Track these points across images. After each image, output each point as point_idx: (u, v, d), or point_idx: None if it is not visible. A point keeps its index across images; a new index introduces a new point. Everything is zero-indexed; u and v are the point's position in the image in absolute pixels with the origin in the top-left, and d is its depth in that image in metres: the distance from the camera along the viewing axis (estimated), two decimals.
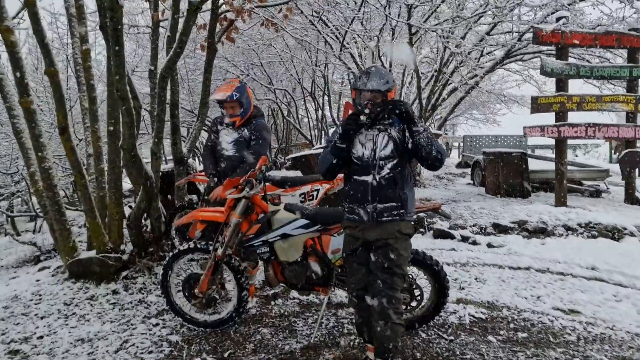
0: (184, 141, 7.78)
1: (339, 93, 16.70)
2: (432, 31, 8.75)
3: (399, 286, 3.09)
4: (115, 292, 4.95)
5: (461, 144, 21.57)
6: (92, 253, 5.51)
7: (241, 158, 4.63)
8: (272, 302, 4.57)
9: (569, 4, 8.28)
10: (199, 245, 4.05)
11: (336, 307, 4.42)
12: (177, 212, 5.79)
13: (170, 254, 4.15)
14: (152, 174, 5.12)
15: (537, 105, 8.29)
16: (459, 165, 17.60)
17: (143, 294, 4.90)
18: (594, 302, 4.48)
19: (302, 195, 5.46)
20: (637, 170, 9.43)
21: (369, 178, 3.08)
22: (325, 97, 14.29)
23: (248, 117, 4.66)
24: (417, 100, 10.64)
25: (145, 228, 5.68)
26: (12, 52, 4.99)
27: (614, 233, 6.80)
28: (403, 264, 3.10)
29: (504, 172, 9.98)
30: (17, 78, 4.94)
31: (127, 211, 5.82)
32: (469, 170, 14.09)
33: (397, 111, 2.98)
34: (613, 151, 21.63)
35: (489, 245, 6.50)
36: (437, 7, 8.56)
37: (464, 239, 6.80)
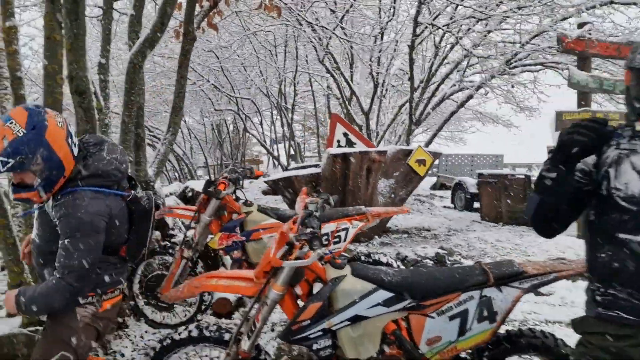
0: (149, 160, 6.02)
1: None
2: (447, 31, 7.58)
3: None
4: None
5: (435, 163, 20.29)
6: (17, 323, 3.74)
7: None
8: None
9: (587, 9, 7.37)
10: (206, 333, 2.47)
11: None
12: (139, 263, 4.10)
13: (156, 346, 2.52)
14: None
15: (562, 120, 7.28)
16: (433, 187, 16.34)
17: None
18: None
19: (326, 237, 4.00)
20: None
21: None
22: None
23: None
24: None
25: None
26: None
27: None
28: None
29: (505, 197, 8.92)
30: None
31: None
32: (444, 193, 13.10)
33: None
34: None
35: (538, 294, 5.25)
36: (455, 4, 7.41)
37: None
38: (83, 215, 2.06)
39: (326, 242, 3.95)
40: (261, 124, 13.65)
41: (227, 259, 5.10)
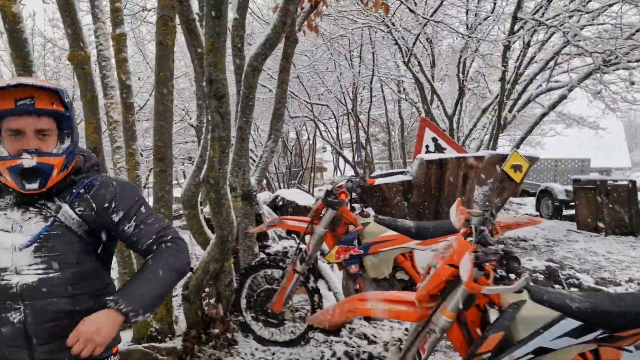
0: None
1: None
2: (549, 26, 7.07)
3: None
4: None
5: None
6: (129, 338, 3.64)
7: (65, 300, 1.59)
8: None
9: None
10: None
11: None
12: (247, 276, 3.90)
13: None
14: (234, 219, 3.26)
15: None
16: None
17: None
18: None
19: None
20: None
21: None
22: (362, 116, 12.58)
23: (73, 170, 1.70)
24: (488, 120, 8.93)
25: (207, 300, 3.80)
26: (13, 31, 3.20)
27: None
28: None
29: (606, 204, 8.23)
30: (22, 72, 3.17)
31: None
32: (521, 200, 12.36)
33: None
34: None
35: None
36: None
37: None
38: (130, 185, 1.78)
39: None
40: (337, 129, 13.39)
41: (326, 270, 4.85)
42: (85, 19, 7.22)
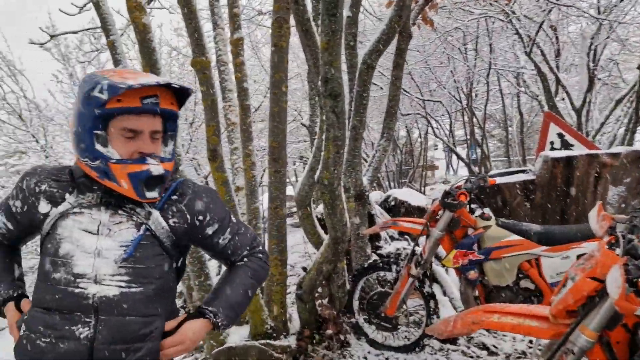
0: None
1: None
2: None
3: None
4: None
5: None
6: (245, 333, 3.74)
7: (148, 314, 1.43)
8: None
9: None
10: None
11: None
12: (360, 278, 3.83)
13: None
14: (348, 221, 3.22)
15: None
16: None
17: None
18: None
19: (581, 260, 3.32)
20: None
21: None
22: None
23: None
24: None
25: (320, 300, 3.80)
26: (143, 41, 3.42)
27: None
28: None
29: None
30: None
31: None
32: None
33: None
34: None
35: None
36: None
37: None
38: (216, 193, 1.63)
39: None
40: (450, 126, 12.93)
41: (442, 275, 4.65)
42: (205, 26, 7.67)
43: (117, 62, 3.83)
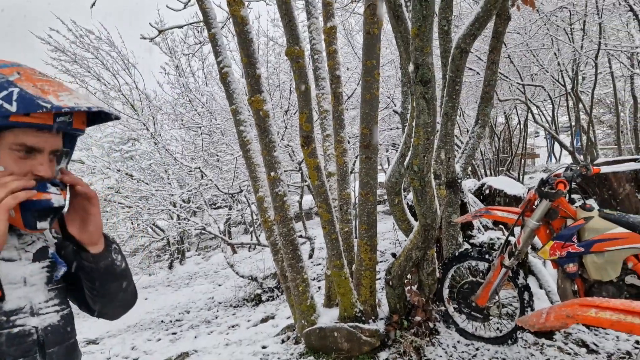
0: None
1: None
2: None
3: None
4: None
5: None
6: (335, 315, 3.85)
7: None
8: None
9: None
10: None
11: None
12: (451, 266, 3.78)
13: None
14: (438, 208, 3.20)
15: None
16: None
17: None
18: None
19: None
20: None
21: None
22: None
23: None
24: None
25: (409, 287, 3.82)
26: (241, 33, 3.60)
27: None
28: None
29: None
30: (248, 69, 3.57)
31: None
32: None
33: None
34: None
35: None
36: None
37: None
38: None
39: None
40: (553, 112, 12.15)
41: (538, 266, 4.46)
42: (300, 16, 7.86)
43: (217, 54, 4.06)
